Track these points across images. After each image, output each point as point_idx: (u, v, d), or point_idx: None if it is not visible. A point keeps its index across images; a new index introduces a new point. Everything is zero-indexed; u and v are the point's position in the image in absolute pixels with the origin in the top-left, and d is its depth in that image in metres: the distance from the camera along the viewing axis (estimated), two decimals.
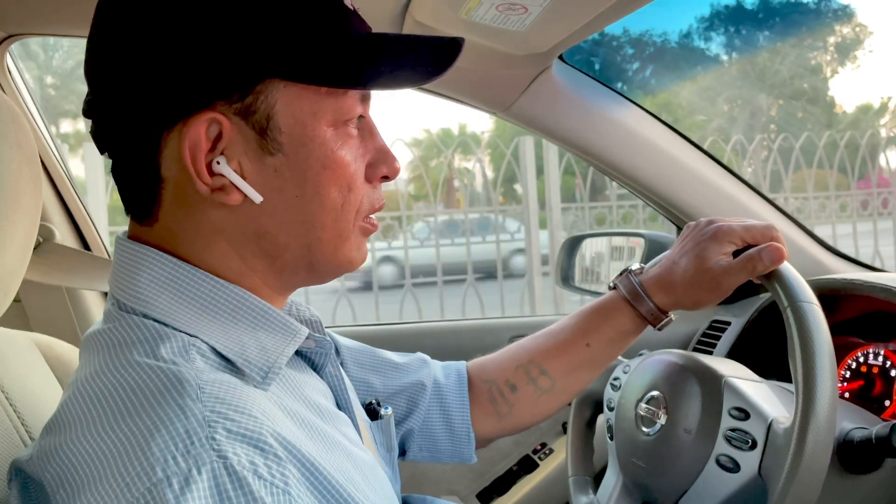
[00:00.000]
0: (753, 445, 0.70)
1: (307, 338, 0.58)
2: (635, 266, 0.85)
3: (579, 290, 1.57)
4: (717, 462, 0.73)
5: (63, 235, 1.10)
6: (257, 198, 0.54)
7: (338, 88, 0.55)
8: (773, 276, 0.74)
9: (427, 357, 0.88)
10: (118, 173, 0.57)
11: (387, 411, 0.75)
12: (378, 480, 0.58)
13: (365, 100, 0.59)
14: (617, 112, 1.06)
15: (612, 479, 0.89)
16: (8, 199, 0.59)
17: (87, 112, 0.56)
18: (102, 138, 0.56)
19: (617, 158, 1.08)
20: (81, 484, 0.45)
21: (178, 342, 0.51)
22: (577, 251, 1.54)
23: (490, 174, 5.28)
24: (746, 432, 0.71)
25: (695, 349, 1.20)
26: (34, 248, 0.92)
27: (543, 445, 1.33)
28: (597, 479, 0.96)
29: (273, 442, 0.46)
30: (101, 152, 0.57)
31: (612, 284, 0.85)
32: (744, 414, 0.73)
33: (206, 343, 0.53)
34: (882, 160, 4.91)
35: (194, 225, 0.55)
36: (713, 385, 0.77)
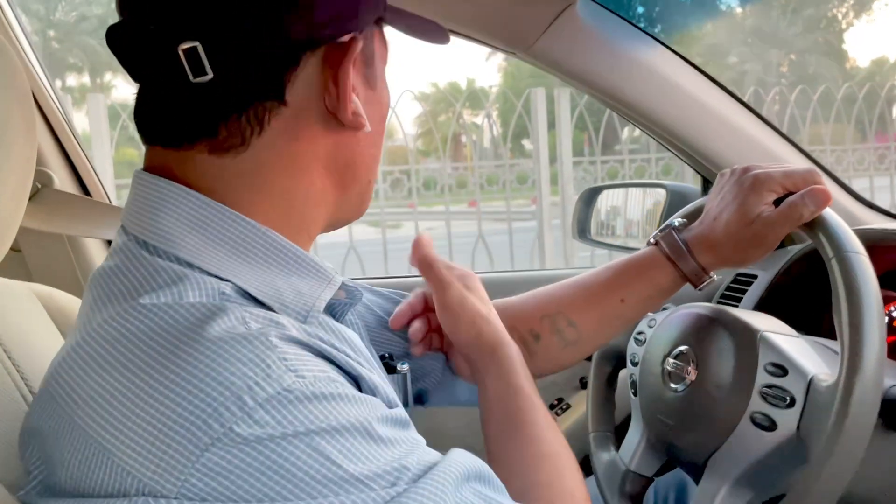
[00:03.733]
0: (792, 403, 0.67)
1: (339, 288, 0.55)
2: (678, 222, 0.80)
3: (596, 244, 1.53)
4: (752, 420, 0.69)
5: (62, 182, 1.06)
6: (369, 127, 0.55)
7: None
8: (817, 225, 0.69)
9: None
10: (202, 97, 0.49)
11: (403, 367, 0.72)
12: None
13: None
14: (644, 53, 1.00)
15: (635, 436, 0.86)
16: None
17: (184, 30, 0.48)
18: (197, 59, 0.48)
19: (643, 103, 1.02)
20: (135, 416, 0.42)
21: (206, 288, 0.48)
22: (595, 203, 1.49)
23: (498, 130, 5.20)
24: (784, 389, 0.68)
25: (718, 303, 1.16)
26: (32, 195, 0.88)
27: (560, 401, 1.30)
28: (618, 435, 0.93)
29: (326, 356, 0.47)
30: (197, 75, 0.48)
31: (652, 240, 0.80)
32: (781, 370, 0.69)
33: (237, 288, 0.49)
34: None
35: (294, 155, 0.52)
36: (748, 340, 0.73)
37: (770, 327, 0.74)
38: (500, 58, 22.99)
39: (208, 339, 0.43)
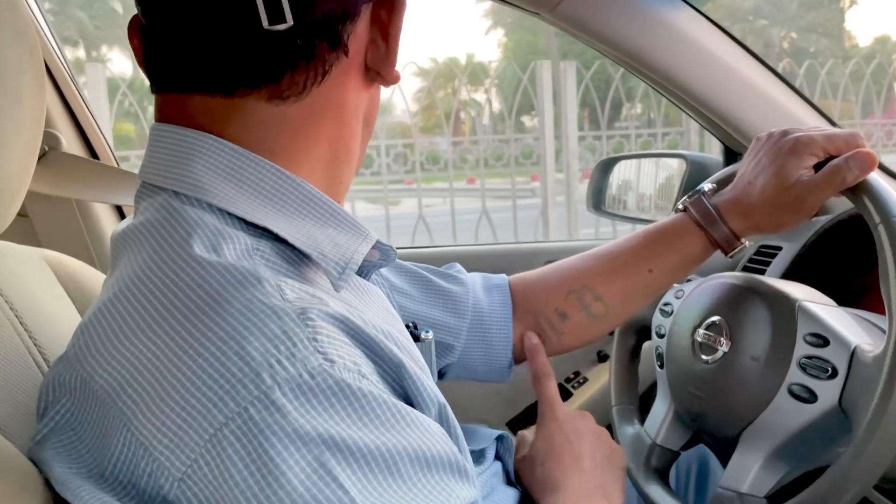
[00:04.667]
0: (834, 374, 0.64)
1: (372, 248, 0.53)
2: (707, 187, 0.77)
3: (612, 216, 1.50)
4: (790, 392, 0.67)
5: (70, 144, 1.02)
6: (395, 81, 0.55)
7: None
8: (862, 189, 0.66)
9: (464, 272, 0.82)
10: (276, 44, 0.48)
11: (428, 335, 0.69)
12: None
13: None
14: (672, 15, 0.97)
15: (662, 409, 0.83)
16: (7, 90, 0.52)
17: None
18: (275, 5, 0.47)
19: (671, 67, 0.99)
20: (154, 389, 0.40)
21: (242, 244, 0.45)
22: (611, 174, 1.46)
23: (499, 106, 5.13)
24: (825, 360, 0.65)
25: None
26: (40, 158, 0.85)
27: (577, 374, 1.28)
28: (641, 408, 0.91)
29: (361, 342, 0.44)
30: (273, 22, 0.47)
31: (681, 206, 0.77)
32: (822, 340, 0.66)
33: (273, 239, 0.47)
34: None
35: (342, 105, 0.53)
36: (785, 310, 0.71)
37: (808, 296, 0.72)
38: (499, 32, 22.78)
39: (237, 308, 0.41)
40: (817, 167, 0.70)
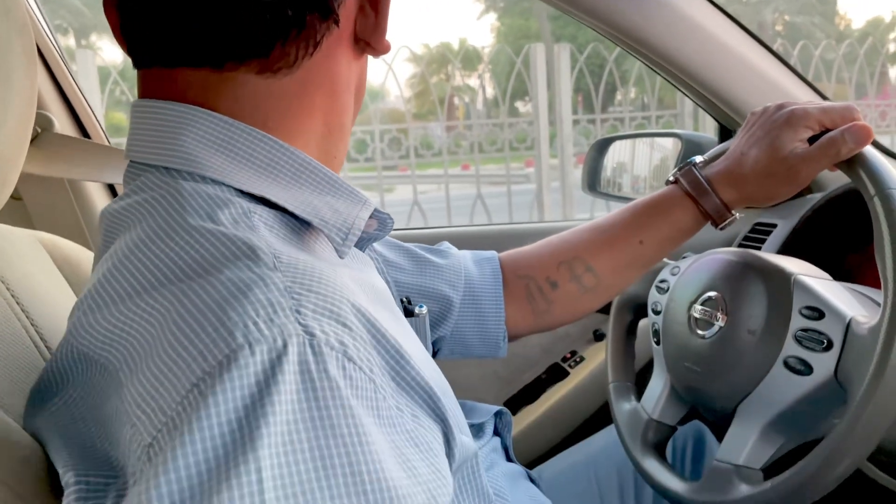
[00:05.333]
0: (829, 346, 0.65)
1: (370, 217, 0.52)
2: (699, 159, 0.78)
3: (606, 196, 1.50)
4: (786, 364, 0.68)
5: (62, 125, 1.01)
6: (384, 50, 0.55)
7: None
8: (857, 162, 0.66)
9: (453, 248, 0.82)
10: (265, 14, 0.47)
11: (422, 310, 0.69)
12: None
13: None
14: None
15: (658, 385, 0.84)
16: None
17: None
18: None
19: (666, 44, 0.99)
20: (144, 355, 0.39)
21: (238, 208, 0.44)
22: (607, 155, 1.46)
23: (492, 91, 5.10)
24: (820, 332, 0.66)
25: None
26: (32, 139, 0.84)
27: (573, 353, 1.29)
28: (637, 385, 0.92)
29: (360, 319, 0.41)
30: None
31: (672, 178, 0.77)
32: (817, 313, 0.67)
33: (271, 207, 0.46)
34: (893, 74, 4.77)
35: (334, 78, 0.52)
36: (781, 284, 0.71)
37: (804, 270, 0.72)
38: (492, 17, 22.65)
39: (227, 276, 0.39)
40: (812, 140, 0.70)
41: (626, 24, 0.97)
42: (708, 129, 4.29)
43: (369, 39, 0.52)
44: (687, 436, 0.96)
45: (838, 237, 1.02)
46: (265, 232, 0.44)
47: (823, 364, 0.65)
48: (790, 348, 0.68)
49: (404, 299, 0.69)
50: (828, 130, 0.69)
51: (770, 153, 0.70)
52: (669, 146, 1.51)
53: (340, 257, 0.48)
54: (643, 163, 1.57)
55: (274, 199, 0.47)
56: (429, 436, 0.43)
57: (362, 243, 0.59)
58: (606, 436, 1.01)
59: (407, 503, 0.37)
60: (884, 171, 0.64)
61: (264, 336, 0.36)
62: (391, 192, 5.62)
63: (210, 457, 0.34)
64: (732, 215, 0.75)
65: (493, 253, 0.82)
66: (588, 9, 0.96)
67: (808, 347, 0.66)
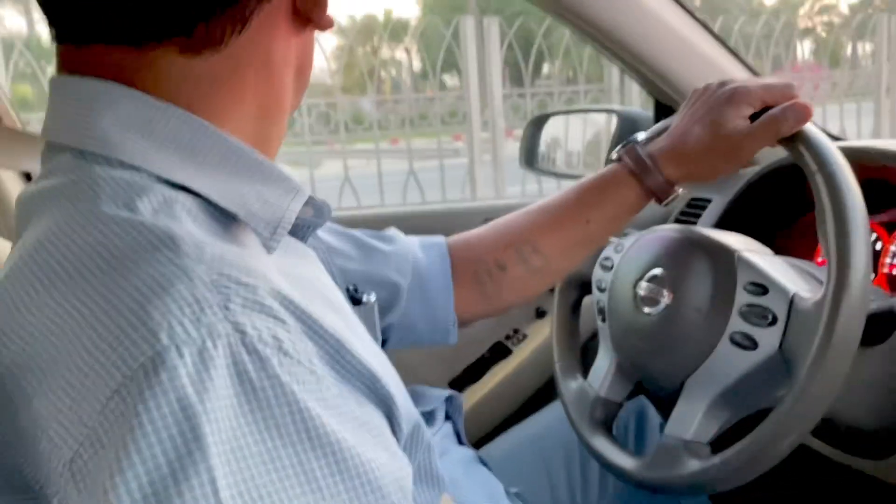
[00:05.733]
0: (773, 321, 0.66)
1: (305, 204, 0.49)
2: (641, 136, 0.77)
3: (545, 173, 1.50)
4: (731, 340, 0.68)
5: None
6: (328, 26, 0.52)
7: None
8: (798, 139, 0.67)
9: (401, 235, 0.80)
10: None
11: (370, 298, 0.67)
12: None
13: None
14: None
15: (604, 362, 0.84)
16: None
17: None
18: None
19: (603, 18, 0.98)
20: (54, 362, 0.35)
21: (159, 196, 0.41)
22: (543, 131, 1.46)
23: (418, 64, 5.05)
24: (765, 308, 0.67)
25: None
26: None
27: (516, 331, 1.29)
28: (582, 363, 0.92)
29: (293, 312, 0.39)
30: None
31: (615, 156, 0.77)
32: (761, 289, 0.68)
33: (195, 196, 0.42)
34: (800, 52, 4.97)
35: (268, 56, 0.48)
36: (725, 260, 0.72)
37: (747, 246, 0.73)
38: None
39: (145, 270, 0.36)
40: (754, 117, 0.70)
41: None
42: (634, 102, 4.36)
43: (310, 14, 0.49)
44: (629, 412, 0.98)
45: (770, 212, 1.04)
46: (188, 222, 0.40)
47: (768, 339, 0.66)
48: (735, 324, 0.68)
49: (350, 287, 0.66)
50: (768, 108, 0.70)
51: (713, 130, 0.70)
52: (602, 121, 1.52)
53: (269, 252, 0.45)
54: (577, 138, 1.58)
55: (196, 188, 0.43)
56: (376, 420, 0.42)
57: (302, 232, 0.56)
58: (550, 413, 1.01)
59: (381, 482, 0.37)
60: (825, 148, 0.65)
61: (192, 337, 0.34)
62: (319, 168, 5.51)
63: (156, 477, 0.31)
64: (676, 191, 0.75)
65: (441, 238, 0.81)
66: None
67: (752, 323, 0.67)
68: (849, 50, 5.32)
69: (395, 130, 4.18)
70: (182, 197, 0.42)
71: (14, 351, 0.37)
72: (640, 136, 0.78)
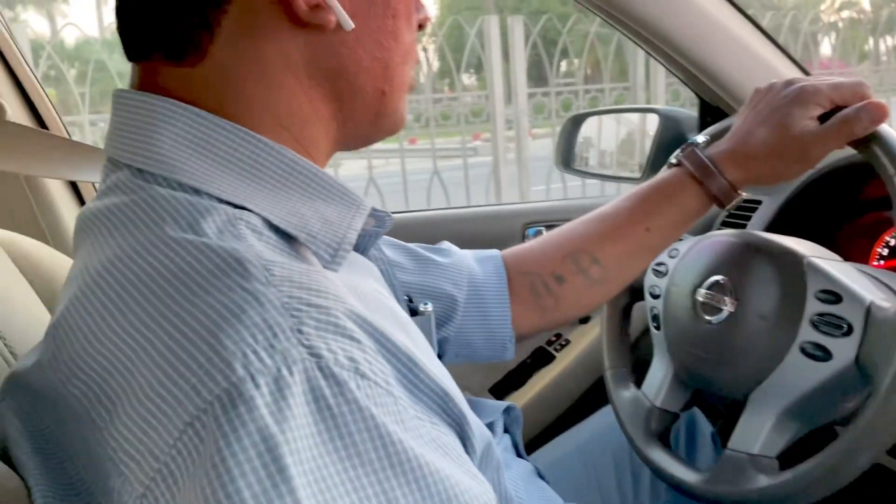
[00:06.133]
0: (849, 331, 0.63)
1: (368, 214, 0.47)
2: (700, 139, 0.75)
3: (581, 174, 1.47)
4: (802, 350, 0.66)
5: (16, 114, 0.92)
6: (349, 23, 0.44)
7: None
8: (873, 140, 0.64)
9: (455, 248, 0.78)
10: (152, 4, 0.43)
11: (427, 307, 0.65)
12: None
13: None
14: None
15: (660, 371, 0.82)
16: None
17: None
18: None
19: (649, 15, 0.95)
20: (124, 392, 0.34)
21: (222, 215, 0.39)
22: (580, 131, 1.43)
23: (436, 64, 5.02)
24: (839, 317, 0.64)
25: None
26: None
27: (559, 336, 1.26)
28: (634, 371, 0.90)
29: (366, 330, 0.37)
30: None
31: (674, 161, 0.74)
32: (834, 297, 0.65)
33: (256, 216, 0.41)
34: (824, 46, 4.90)
35: (261, 59, 0.44)
36: (792, 267, 0.69)
37: (814, 252, 0.71)
38: None
39: (215, 296, 0.35)
40: (823, 118, 0.68)
41: None
42: (659, 100, 4.31)
43: (301, 14, 0.43)
44: (679, 422, 0.95)
45: (823, 215, 1.01)
46: (253, 240, 0.39)
47: (843, 349, 0.63)
48: (806, 333, 0.66)
49: (406, 297, 0.65)
50: (838, 108, 0.67)
51: (779, 131, 0.68)
52: (636, 121, 1.49)
53: (334, 270, 0.43)
54: (610, 137, 1.55)
55: (258, 210, 0.42)
56: (452, 442, 0.40)
57: (364, 243, 0.55)
58: (597, 421, 0.99)
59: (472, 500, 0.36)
60: None
61: (266, 365, 0.33)
62: (339, 167, 5.53)
63: None
64: (739, 195, 0.73)
65: (495, 251, 0.78)
66: None
67: (825, 332, 0.65)
68: (871, 45, 5.22)
69: (419, 130, 4.16)
70: (245, 214, 0.41)
71: (85, 381, 0.36)
72: (700, 138, 0.75)
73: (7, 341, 0.56)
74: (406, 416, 0.36)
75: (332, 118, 0.48)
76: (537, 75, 3.89)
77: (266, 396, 0.32)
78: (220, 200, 0.41)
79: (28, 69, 0.99)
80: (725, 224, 1.12)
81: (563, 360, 1.24)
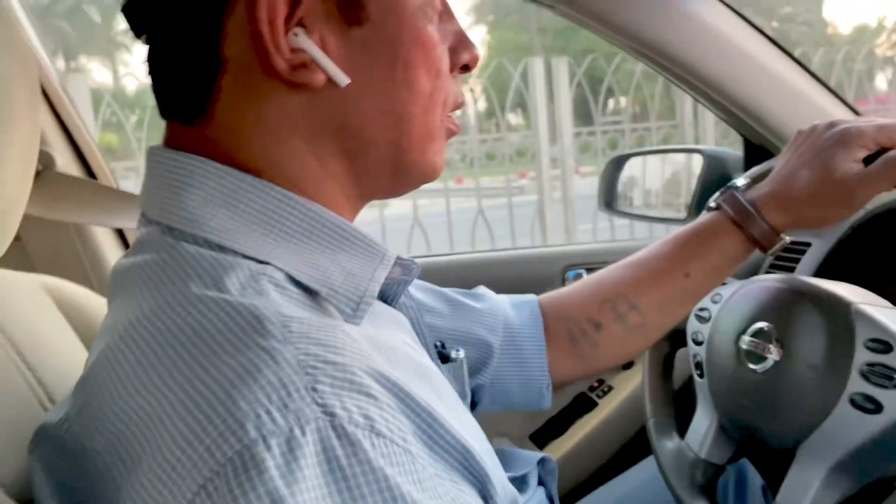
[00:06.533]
0: None
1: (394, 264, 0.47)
2: (740, 182, 0.73)
3: (624, 214, 1.46)
4: (851, 401, 0.63)
5: (66, 164, 0.96)
6: (343, 79, 0.44)
7: None
8: None
9: (491, 293, 0.78)
10: (160, 64, 0.45)
11: (459, 354, 0.64)
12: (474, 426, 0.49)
13: None
14: (692, 4, 0.93)
15: (704, 421, 0.79)
16: (1, 106, 0.47)
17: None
18: (142, 18, 0.45)
19: (692, 57, 0.95)
20: (142, 451, 0.34)
21: (245, 271, 0.40)
22: (622, 172, 1.42)
23: (483, 104, 5.07)
24: (891, 367, 0.61)
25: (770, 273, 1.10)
26: (34, 177, 0.80)
27: (601, 382, 1.24)
28: (678, 420, 0.87)
29: (385, 385, 0.37)
30: (138, 36, 0.46)
31: (713, 204, 0.73)
32: (885, 346, 0.62)
33: (279, 270, 0.42)
34: (880, 80, 4.78)
35: (262, 119, 0.44)
36: (840, 314, 0.66)
37: (864, 299, 0.68)
38: (482, 30, 22.76)
39: (231, 354, 0.35)
40: (868, 161, 0.66)
41: (652, 39, 0.93)
42: (708, 139, 4.26)
43: (282, 73, 0.43)
44: (728, 473, 0.91)
45: (875, 259, 0.98)
46: (275, 295, 0.40)
47: (895, 402, 0.60)
48: (855, 384, 0.63)
49: (438, 343, 0.64)
50: (884, 150, 0.65)
51: (823, 174, 0.66)
52: (682, 160, 1.47)
53: (356, 324, 0.43)
54: (655, 177, 1.53)
55: (280, 265, 0.42)
56: (473, 501, 0.39)
57: (392, 292, 0.55)
58: (641, 472, 0.96)
59: None
60: None
61: (279, 426, 0.33)
62: (386, 207, 5.60)
63: None
64: (782, 239, 0.71)
65: (532, 296, 0.78)
66: (613, 24, 0.92)
67: (876, 384, 0.62)
68: None
69: (464, 170, 4.20)
70: (269, 269, 0.41)
71: (108, 437, 0.37)
72: (739, 181, 0.74)
73: (47, 388, 0.57)
74: (424, 475, 0.36)
75: (345, 174, 0.48)
76: (584, 114, 3.89)
77: (277, 458, 0.32)
78: (245, 256, 0.42)
79: (77, 120, 1.04)
80: (773, 267, 1.09)
81: (606, 408, 1.21)
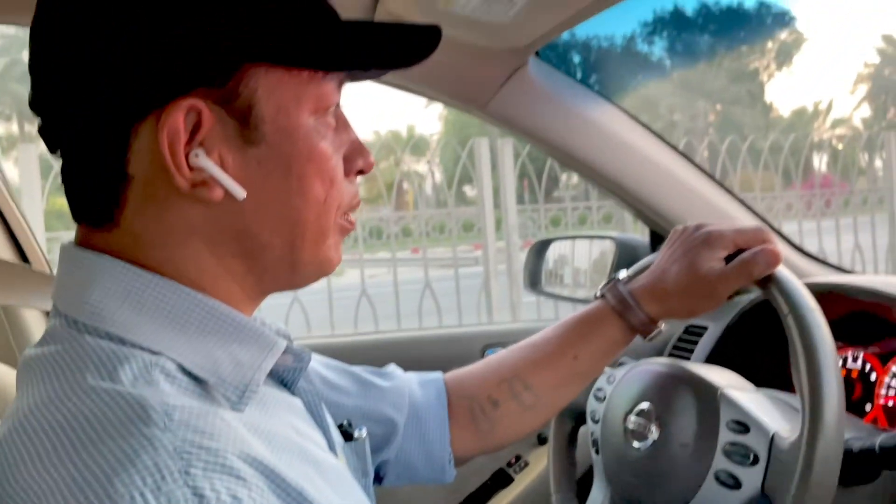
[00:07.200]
0: (755, 461, 0.67)
1: (284, 352, 0.52)
2: (622, 274, 0.81)
3: (548, 295, 1.53)
4: (717, 478, 0.69)
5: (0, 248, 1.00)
6: (240, 193, 0.49)
7: (318, 73, 0.51)
8: (771, 281, 0.70)
9: (400, 371, 0.83)
10: (71, 175, 0.50)
11: (361, 433, 0.69)
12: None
13: (340, 88, 0.55)
14: (594, 111, 1.03)
15: (599, 496, 0.84)
16: None
17: (34, 105, 0.50)
18: (53, 135, 0.50)
19: (594, 159, 1.05)
20: None
21: (139, 363, 0.44)
22: (546, 255, 1.50)
23: (440, 177, 5.22)
24: (747, 447, 0.68)
25: (670, 355, 1.18)
26: None
27: (518, 458, 1.28)
28: (579, 496, 0.92)
29: (254, 470, 0.41)
30: (52, 151, 0.51)
31: (598, 294, 0.80)
32: (743, 427, 0.69)
33: (172, 361, 0.46)
34: (816, 162, 5.08)
35: (165, 226, 0.49)
36: (709, 397, 0.73)
37: (729, 383, 0.75)
38: (440, 106, 23.34)
39: (116, 441, 0.39)
40: (729, 259, 0.74)
41: (557, 142, 1.03)
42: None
43: (183, 190, 0.48)
44: None
45: (767, 337, 1.06)
46: (165, 385, 0.44)
47: (751, 478, 0.67)
48: (720, 462, 0.69)
49: (345, 422, 0.69)
50: (742, 250, 0.73)
51: (689, 271, 0.74)
52: (607, 243, 1.56)
53: (240, 411, 0.48)
54: (583, 257, 1.62)
55: (174, 356, 0.46)
56: None
57: (291, 377, 0.58)
58: None
59: None
60: (795, 292, 0.68)
61: None
62: (340, 276, 5.62)
63: None
64: (658, 327, 0.78)
65: (438, 374, 0.83)
66: (522, 129, 1.01)
67: (736, 462, 0.68)
68: (862, 162, 5.41)
69: (412, 242, 4.29)
70: (162, 360, 0.46)
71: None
72: (622, 273, 0.81)
73: None
74: None
75: (245, 273, 0.52)
76: (533, 190, 4.05)
77: None
78: (142, 348, 0.46)
79: (12, 203, 1.08)
80: (675, 348, 1.17)
81: (522, 483, 1.26)
